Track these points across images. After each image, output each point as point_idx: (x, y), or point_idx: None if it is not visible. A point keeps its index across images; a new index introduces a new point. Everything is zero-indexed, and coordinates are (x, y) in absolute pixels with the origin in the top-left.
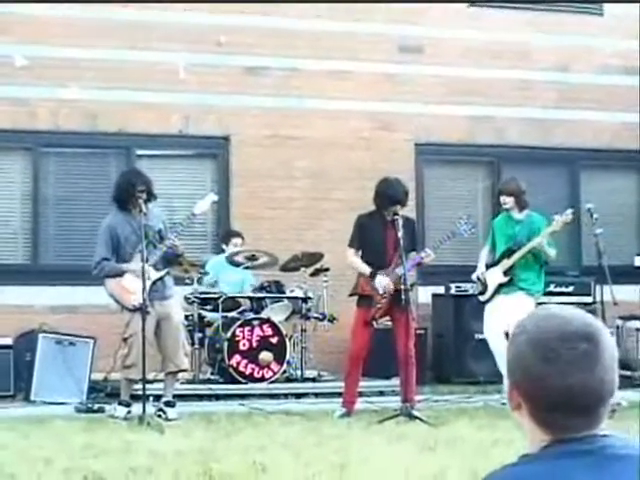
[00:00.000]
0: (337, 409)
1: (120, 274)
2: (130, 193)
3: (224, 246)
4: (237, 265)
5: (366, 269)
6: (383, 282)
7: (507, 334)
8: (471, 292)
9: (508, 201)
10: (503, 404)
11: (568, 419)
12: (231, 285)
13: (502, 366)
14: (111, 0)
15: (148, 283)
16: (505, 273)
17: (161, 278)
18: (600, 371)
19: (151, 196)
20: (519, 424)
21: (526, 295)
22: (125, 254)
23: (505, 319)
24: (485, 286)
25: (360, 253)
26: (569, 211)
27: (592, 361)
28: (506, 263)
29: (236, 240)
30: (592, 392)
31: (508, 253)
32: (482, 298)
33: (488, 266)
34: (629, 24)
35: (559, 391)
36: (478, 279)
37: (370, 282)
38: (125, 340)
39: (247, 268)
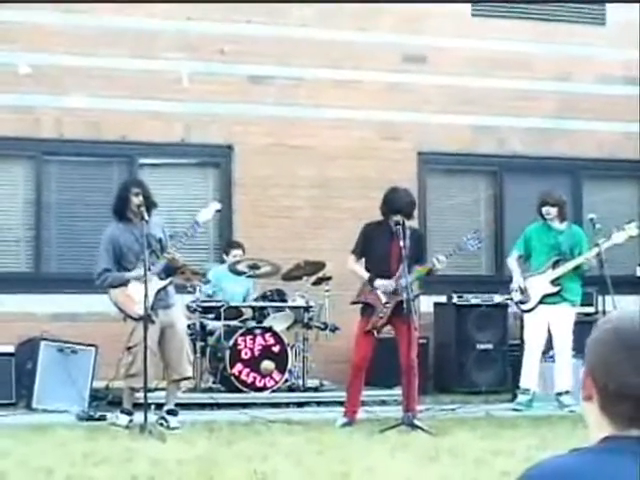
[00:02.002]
0: (339, 418)
1: (124, 283)
2: (126, 199)
3: (225, 256)
4: (239, 274)
5: (365, 274)
6: (383, 286)
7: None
8: (473, 302)
9: (552, 211)
10: (514, 409)
11: (636, 412)
12: (233, 294)
13: (526, 373)
14: (117, 0)
15: (152, 292)
16: (553, 283)
17: (165, 287)
18: None
19: (150, 203)
20: (585, 416)
21: (570, 306)
22: (128, 263)
23: (552, 329)
24: (527, 295)
25: (362, 261)
26: (634, 224)
27: None
28: (552, 273)
29: (236, 252)
30: None
31: (553, 263)
32: (525, 307)
33: (527, 275)
34: (631, 34)
35: (632, 382)
36: (520, 288)
37: (373, 290)
38: (129, 349)
39: (249, 277)
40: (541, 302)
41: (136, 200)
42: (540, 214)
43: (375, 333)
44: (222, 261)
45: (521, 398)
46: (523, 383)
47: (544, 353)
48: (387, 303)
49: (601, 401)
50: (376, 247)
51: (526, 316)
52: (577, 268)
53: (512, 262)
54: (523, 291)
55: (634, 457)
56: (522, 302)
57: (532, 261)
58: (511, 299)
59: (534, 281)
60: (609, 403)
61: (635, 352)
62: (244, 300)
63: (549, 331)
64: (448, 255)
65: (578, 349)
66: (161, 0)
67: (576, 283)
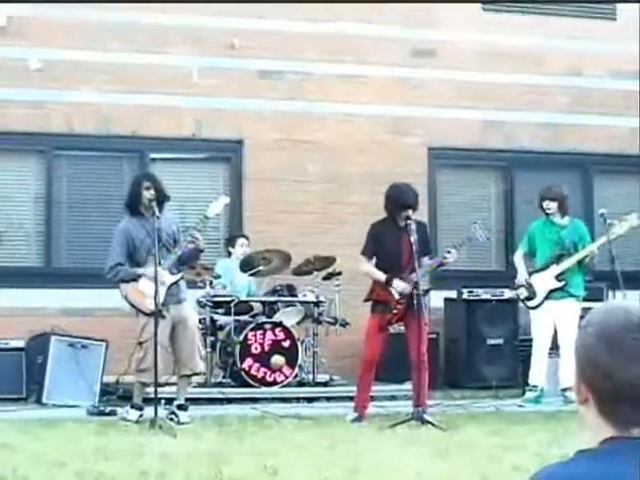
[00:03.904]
0: (349, 413)
1: (135, 278)
2: (137, 193)
3: (231, 249)
4: (249, 270)
5: (381, 276)
6: (400, 287)
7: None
8: (483, 297)
9: (552, 206)
10: (520, 405)
11: (634, 411)
12: (241, 287)
13: (535, 370)
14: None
15: (164, 287)
16: (558, 278)
17: (176, 282)
18: None
19: (163, 197)
20: (580, 419)
21: (575, 301)
22: (140, 258)
23: (557, 324)
24: (533, 291)
25: (373, 261)
26: (634, 215)
27: None
28: (556, 269)
29: (242, 240)
30: None
31: (557, 258)
32: (531, 304)
33: (532, 271)
34: None
35: (624, 381)
36: (525, 284)
37: (386, 288)
38: (141, 344)
39: (259, 272)
40: (547, 297)
41: (148, 194)
42: (542, 209)
43: (388, 329)
44: (228, 254)
45: (529, 394)
46: (532, 379)
47: (552, 349)
48: (400, 300)
49: (598, 404)
50: (386, 245)
51: (532, 313)
52: (581, 262)
53: (518, 260)
54: (528, 287)
55: (637, 458)
56: (528, 298)
57: (537, 257)
58: (517, 296)
59: (539, 277)
60: (606, 405)
61: (617, 347)
62: (249, 293)
63: (555, 326)
64: (458, 247)
65: None
66: (170, 0)
67: (580, 278)
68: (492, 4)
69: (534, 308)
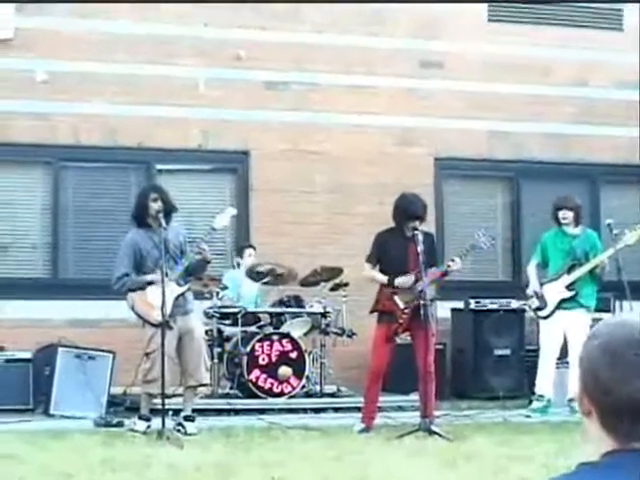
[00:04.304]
0: (356, 424)
1: (142, 287)
2: (145, 205)
3: (239, 259)
4: (256, 279)
5: (383, 278)
6: (402, 282)
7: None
8: (490, 307)
9: (569, 215)
10: (527, 416)
11: (634, 425)
12: (249, 299)
13: (542, 379)
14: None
15: (171, 298)
16: (568, 288)
17: (183, 293)
18: None
19: (170, 208)
20: (583, 431)
21: (586, 312)
22: (147, 269)
23: (567, 334)
24: (544, 301)
25: (379, 269)
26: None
27: None
28: (567, 278)
29: (249, 250)
30: None
31: (568, 268)
32: (542, 314)
33: (544, 282)
34: None
35: (624, 395)
36: (536, 295)
37: (391, 297)
38: (147, 355)
39: (266, 283)
40: (557, 307)
41: (155, 206)
42: (555, 219)
43: (394, 339)
44: (237, 265)
45: (535, 404)
46: (538, 389)
47: (560, 359)
48: (405, 309)
49: (600, 417)
50: (392, 254)
51: (542, 323)
52: (592, 272)
53: (531, 270)
54: (539, 297)
55: (637, 471)
56: (539, 308)
57: (550, 267)
58: (529, 306)
59: (550, 287)
60: (607, 419)
61: (618, 361)
62: (256, 304)
63: (565, 337)
64: (462, 256)
65: None
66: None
67: (591, 288)
68: (497, 13)
69: (545, 318)
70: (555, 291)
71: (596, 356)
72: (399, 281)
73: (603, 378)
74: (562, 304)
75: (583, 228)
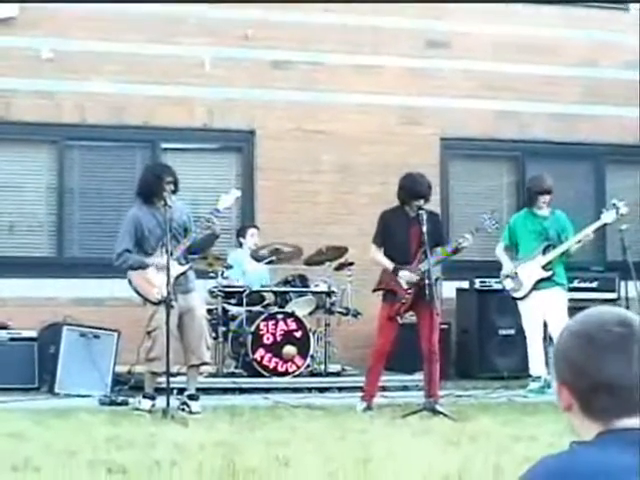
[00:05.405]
0: (358, 403)
1: (143, 267)
2: (158, 186)
3: (242, 239)
4: (261, 259)
5: (389, 264)
6: (406, 277)
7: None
8: (495, 287)
9: (548, 199)
10: (524, 396)
11: (613, 401)
12: (254, 278)
13: (534, 361)
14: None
15: (172, 277)
16: (544, 268)
17: (184, 272)
18: (636, 353)
19: (177, 189)
20: (570, 424)
21: (562, 289)
22: (148, 247)
23: (546, 313)
24: (519, 282)
25: (383, 249)
26: (622, 203)
27: (627, 343)
28: (543, 259)
29: (252, 230)
30: (630, 374)
31: (543, 249)
32: (517, 294)
33: (516, 264)
34: None
35: (600, 373)
36: (511, 275)
37: (395, 277)
38: (149, 333)
39: (271, 262)
40: (534, 288)
41: (168, 188)
42: (533, 202)
43: (398, 319)
44: (240, 244)
45: (532, 385)
46: (532, 371)
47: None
48: (409, 289)
49: (580, 404)
50: (396, 233)
51: (520, 304)
52: (564, 253)
53: (500, 252)
54: (514, 278)
55: (628, 448)
56: (514, 290)
57: (520, 249)
58: (503, 287)
59: (525, 267)
60: (586, 402)
61: (591, 342)
62: (262, 284)
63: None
64: (474, 232)
65: None
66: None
67: (562, 266)
68: None
69: (520, 299)
70: (531, 271)
71: (570, 342)
72: (402, 274)
73: (578, 360)
74: (538, 284)
75: (551, 210)
